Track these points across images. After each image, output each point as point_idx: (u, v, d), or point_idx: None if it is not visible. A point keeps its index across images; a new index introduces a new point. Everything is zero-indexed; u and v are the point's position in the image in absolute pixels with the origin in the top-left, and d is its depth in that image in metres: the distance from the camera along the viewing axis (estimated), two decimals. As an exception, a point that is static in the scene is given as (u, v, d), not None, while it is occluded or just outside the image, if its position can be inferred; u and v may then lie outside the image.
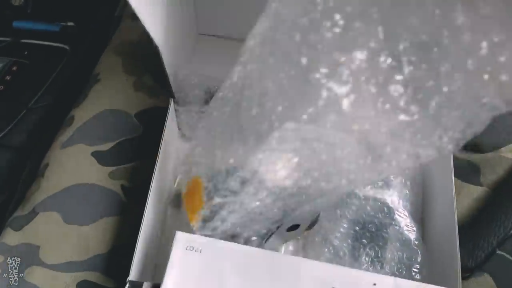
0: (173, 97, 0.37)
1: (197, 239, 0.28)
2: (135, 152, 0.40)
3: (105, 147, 0.40)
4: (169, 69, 0.35)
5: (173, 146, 0.38)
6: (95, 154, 0.40)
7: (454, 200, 0.32)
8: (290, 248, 0.35)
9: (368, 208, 0.33)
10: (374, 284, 0.27)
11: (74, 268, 0.35)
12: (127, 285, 0.28)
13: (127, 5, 0.51)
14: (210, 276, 0.27)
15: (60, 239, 0.36)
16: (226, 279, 0.27)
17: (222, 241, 0.28)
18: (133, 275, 0.29)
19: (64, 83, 0.59)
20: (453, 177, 0.33)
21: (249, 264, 0.28)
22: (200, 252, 0.28)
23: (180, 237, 0.28)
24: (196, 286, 0.27)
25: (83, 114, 0.42)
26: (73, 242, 0.36)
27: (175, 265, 0.27)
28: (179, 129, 0.40)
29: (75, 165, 0.39)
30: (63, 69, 0.61)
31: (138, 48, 0.45)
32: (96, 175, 0.39)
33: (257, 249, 0.28)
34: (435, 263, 0.31)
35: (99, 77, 0.45)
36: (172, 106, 0.37)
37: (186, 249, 0.28)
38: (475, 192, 0.37)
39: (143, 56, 0.44)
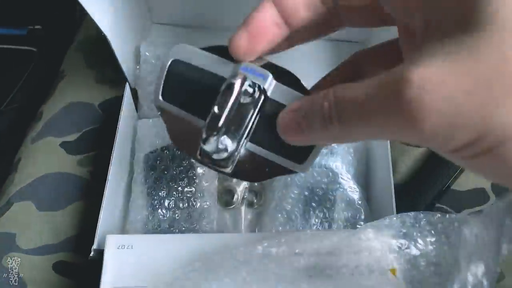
0: (129, 84, 0.40)
1: (127, 238, 0.32)
2: (101, 139, 0.42)
3: (72, 137, 0.42)
4: (120, 57, 0.37)
5: (130, 127, 0.41)
6: (63, 145, 0.42)
7: (390, 165, 0.35)
8: (248, 217, 0.38)
9: (315, 174, 0.36)
10: None
11: (49, 251, 0.38)
12: (92, 253, 0.31)
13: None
14: (144, 267, 0.30)
15: (35, 226, 0.39)
16: (158, 267, 0.31)
17: (151, 235, 0.32)
18: (96, 244, 0.32)
19: (34, 84, 0.61)
20: (389, 145, 0.36)
21: (179, 250, 0.31)
22: (132, 248, 0.31)
23: (111, 240, 0.31)
24: (132, 278, 0.30)
25: (50, 109, 0.44)
26: (47, 227, 0.39)
27: (109, 264, 0.30)
28: (137, 111, 0.42)
29: (46, 156, 0.42)
30: (32, 71, 0.63)
31: (99, 43, 0.47)
32: (66, 164, 0.41)
33: (185, 235, 0.32)
34: (377, 219, 0.34)
35: (64, 73, 0.47)
36: (127, 89, 0.40)
37: (118, 248, 0.31)
38: (417, 153, 0.40)
39: (104, 50, 0.47)
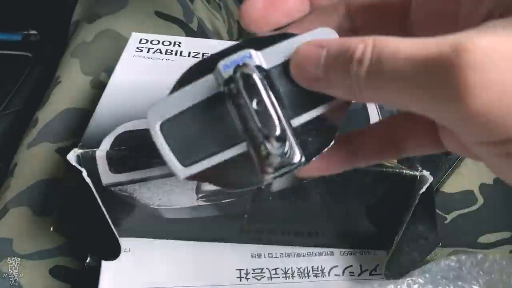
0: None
1: (124, 241, 0.32)
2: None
3: (67, 143, 0.43)
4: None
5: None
6: (59, 150, 0.42)
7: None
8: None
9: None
10: None
11: (45, 256, 0.38)
12: (88, 259, 0.32)
13: (83, 9, 0.54)
14: (142, 271, 0.31)
15: (31, 231, 0.39)
16: (156, 271, 0.32)
17: (148, 239, 0.33)
18: None
19: (29, 89, 0.62)
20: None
21: (176, 255, 0.32)
22: (129, 251, 0.32)
23: None
24: (129, 282, 0.31)
25: (46, 115, 0.45)
26: (43, 233, 0.39)
27: (107, 268, 0.32)
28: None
29: (41, 162, 0.42)
30: (28, 76, 0.63)
31: (93, 48, 0.48)
32: (61, 169, 0.42)
33: (182, 241, 0.33)
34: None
35: (59, 79, 0.47)
36: None
37: None
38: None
39: (99, 55, 0.47)
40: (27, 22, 0.68)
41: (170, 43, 0.38)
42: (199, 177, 0.20)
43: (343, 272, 0.34)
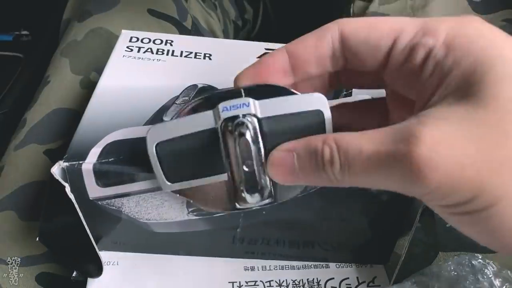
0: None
1: (113, 255, 0.31)
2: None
3: (56, 145, 0.41)
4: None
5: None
6: (47, 153, 0.41)
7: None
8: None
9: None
10: None
11: (31, 262, 0.37)
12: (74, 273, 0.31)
13: (74, 7, 0.53)
14: (130, 285, 0.30)
15: (17, 236, 0.38)
16: (143, 285, 0.31)
17: (137, 253, 0.32)
18: None
19: (20, 90, 0.60)
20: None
21: (165, 269, 0.31)
22: (117, 264, 0.31)
23: None
24: None
25: (34, 116, 0.43)
26: (29, 238, 0.37)
27: (94, 281, 0.30)
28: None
29: (29, 164, 0.41)
30: (19, 77, 0.62)
31: (84, 47, 0.46)
32: (49, 172, 0.40)
33: (172, 256, 0.32)
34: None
35: (48, 79, 0.46)
36: None
37: (104, 264, 0.31)
38: None
39: (89, 54, 0.46)
40: (18, 23, 0.67)
41: (162, 41, 0.37)
42: (182, 193, 0.24)
43: (340, 285, 0.33)
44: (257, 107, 0.22)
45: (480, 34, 0.19)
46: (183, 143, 0.22)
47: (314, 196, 0.28)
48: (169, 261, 0.32)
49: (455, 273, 0.29)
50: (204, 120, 0.22)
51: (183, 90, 0.32)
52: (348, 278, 0.33)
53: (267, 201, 0.24)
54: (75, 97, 0.43)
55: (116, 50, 0.36)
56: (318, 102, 0.22)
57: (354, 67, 0.24)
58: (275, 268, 0.33)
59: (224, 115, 0.22)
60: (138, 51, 0.36)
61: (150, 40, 0.37)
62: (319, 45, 0.23)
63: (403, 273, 0.32)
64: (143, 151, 0.26)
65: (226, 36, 0.60)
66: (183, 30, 0.50)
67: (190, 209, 0.29)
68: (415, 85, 0.22)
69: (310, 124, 0.22)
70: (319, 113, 0.22)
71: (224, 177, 0.23)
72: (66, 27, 0.51)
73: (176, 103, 0.31)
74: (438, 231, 0.32)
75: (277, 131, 0.22)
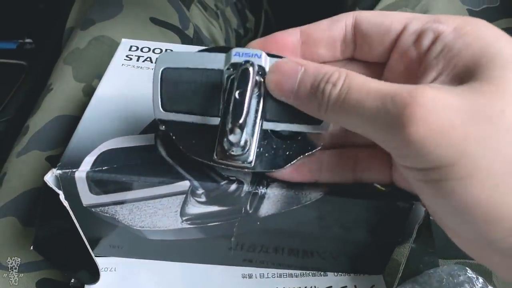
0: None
1: (110, 260, 0.32)
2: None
3: (58, 151, 0.42)
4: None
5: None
6: (49, 159, 0.41)
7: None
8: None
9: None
10: None
11: (33, 268, 0.37)
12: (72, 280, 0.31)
13: (78, 16, 0.53)
14: None
15: (19, 242, 0.38)
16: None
17: (134, 259, 0.32)
18: None
19: (23, 98, 0.61)
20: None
21: (162, 276, 0.31)
22: (115, 270, 0.31)
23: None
24: None
25: (36, 122, 0.44)
26: (31, 244, 0.38)
27: (92, 286, 0.30)
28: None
29: (31, 171, 0.41)
30: (22, 85, 0.62)
31: (86, 55, 0.47)
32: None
33: (169, 262, 0.32)
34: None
35: (51, 86, 0.46)
36: None
37: (101, 270, 0.31)
38: None
39: (92, 62, 0.46)
40: (22, 31, 0.68)
41: (161, 50, 0.37)
42: (168, 127, 0.24)
43: (338, 292, 0.33)
44: (267, 62, 0.22)
45: (487, 27, 0.20)
46: (189, 76, 0.23)
47: (312, 207, 0.28)
48: (166, 268, 0.32)
49: (445, 283, 0.30)
50: (215, 60, 0.23)
51: None
52: (346, 286, 0.33)
53: (245, 164, 0.24)
54: (77, 105, 0.44)
55: (115, 58, 0.36)
56: None
57: (361, 56, 0.24)
58: (273, 276, 0.33)
59: (234, 59, 0.22)
60: (138, 60, 0.36)
61: (149, 49, 0.37)
62: (332, 27, 0.24)
63: (402, 281, 0.32)
64: (138, 160, 0.26)
65: (228, 44, 0.61)
66: (185, 39, 0.51)
67: (183, 218, 0.29)
68: (417, 71, 0.22)
69: None
70: None
71: (215, 121, 0.23)
72: (69, 35, 0.52)
73: None
74: (437, 239, 0.32)
75: None
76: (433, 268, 0.32)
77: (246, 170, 0.24)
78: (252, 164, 0.24)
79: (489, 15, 0.46)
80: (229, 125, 0.21)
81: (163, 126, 0.24)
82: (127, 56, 0.36)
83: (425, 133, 0.17)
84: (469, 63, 0.19)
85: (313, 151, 0.25)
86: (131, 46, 0.37)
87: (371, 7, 0.51)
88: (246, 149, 0.23)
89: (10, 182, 0.41)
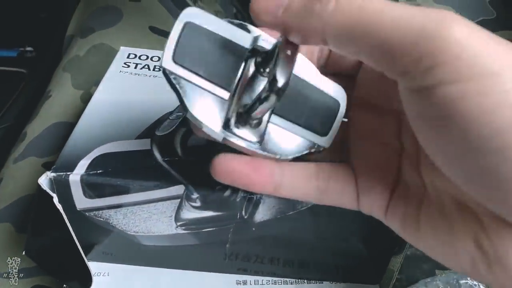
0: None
1: (103, 266, 0.32)
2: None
3: (54, 158, 0.42)
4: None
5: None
6: (46, 166, 0.41)
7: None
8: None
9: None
10: None
11: (27, 275, 0.37)
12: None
13: (78, 24, 0.54)
14: None
15: (13, 248, 0.38)
16: None
17: (127, 265, 0.32)
18: None
19: (23, 105, 0.61)
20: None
21: (155, 282, 0.31)
22: (108, 275, 0.31)
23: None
24: None
25: (34, 129, 0.44)
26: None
27: None
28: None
29: (27, 177, 0.41)
30: (22, 92, 0.62)
31: (85, 63, 0.47)
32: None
33: (162, 269, 0.32)
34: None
35: (50, 93, 0.47)
36: None
37: (94, 275, 0.30)
38: None
39: (90, 69, 0.46)
40: (23, 39, 0.68)
41: (159, 58, 0.37)
42: (171, 80, 0.21)
43: (334, 301, 0.33)
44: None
45: None
46: (210, 39, 0.21)
47: (307, 214, 0.28)
48: (160, 273, 0.32)
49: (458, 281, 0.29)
50: (241, 36, 0.21)
51: (178, 106, 0.32)
52: (342, 295, 0.33)
53: (253, 139, 0.22)
54: (75, 111, 0.44)
55: (113, 65, 0.36)
56: (340, 94, 0.23)
57: (332, 67, 0.24)
58: (268, 283, 0.33)
59: (259, 43, 0.21)
60: (135, 67, 0.36)
61: (148, 57, 0.38)
62: None
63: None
64: (133, 164, 0.26)
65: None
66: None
67: (178, 223, 0.29)
68: None
69: (325, 105, 0.22)
70: (335, 102, 0.22)
71: (224, 95, 0.21)
72: (69, 43, 0.52)
73: (170, 118, 0.31)
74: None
75: (293, 86, 0.21)
76: (430, 276, 0.32)
77: (252, 148, 0.22)
78: (260, 144, 0.22)
79: (486, 27, 0.46)
80: (265, 93, 0.19)
81: (168, 78, 0.21)
82: (125, 63, 0.37)
83: (469, 36, 0.14)
84: None
85: (321, 149, 0.23)
86: (129, 54, 0.38)
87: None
88: (253, 131, 0.21)
89: (7, 188, 0.41)
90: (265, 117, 0.22)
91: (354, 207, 0.22)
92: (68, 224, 0.27)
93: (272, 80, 0.18)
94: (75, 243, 0.28)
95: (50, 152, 0.42)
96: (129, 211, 0.28)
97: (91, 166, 0.27)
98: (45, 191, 0.26)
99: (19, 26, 0.68)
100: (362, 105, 0.23)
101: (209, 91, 0.21)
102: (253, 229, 0.29)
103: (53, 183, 0.27)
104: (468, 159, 0.15)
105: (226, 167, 0.21)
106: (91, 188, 0.27)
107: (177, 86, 0.21)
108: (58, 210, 0.27)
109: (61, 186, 0.27)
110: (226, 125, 0.21)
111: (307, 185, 0.22)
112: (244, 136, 0.21)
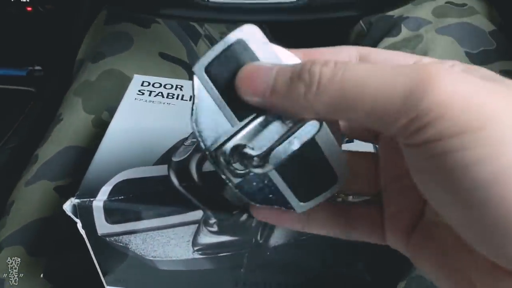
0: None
1: None
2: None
3: (66, 182, 0.42)
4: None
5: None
6: (57, 189, 0.42)
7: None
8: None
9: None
10: None
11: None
12: None
13: (88, 49, 0.55)
14: None
15: (24, 271, 0.38)
16: None
17: None
18: None
19: (31, 124, 0.62)
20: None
21: None
22: None
23: None
24: None
25: (46, 152, 0.45)
26: (36, 274, 0.38)
27: None
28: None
29: (39, 200, 0.42)
30: (30, 111, 0.63)
31: (97, 87, 0.48)
32: (59, 208, 0.41)
33: None
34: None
35: (61, 117, 0.47)
36: None
37: None
38: None
39: (101, 94, 0.47)
40: (32, 58, 0.69)
41: (172, 86, 0.39)
42: (193, 89, 0.21)
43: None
44: (320, 131, 0.21)
45: None
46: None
47: (315, 240, 0.28)
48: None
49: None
50: None
51: (192, 132, 0.33)
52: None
53: (233, 178, 0.21)
54: (86, 136, 0.45)
55: (128, 93, 0.37)
56: (343, 172, 0.22)
57: None
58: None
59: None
60: (149, 94, 0.37)
61: (161, 84, 0.39)
62: (337, 55, 0.22)
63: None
64: (152, 190, 0.26)
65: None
66: (192, 73, 0.52)
67: (195, 248, 0.30)
68: None
69: (322, 177, 0.22)
70: (333, 180, 0.22)
71: (233, 121, 0.21)
72: (80, 67, 0.53)
73: (185, 145, 0.32)
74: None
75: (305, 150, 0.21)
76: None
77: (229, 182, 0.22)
78: (236, 183, 0.22)
79: (486, 58, 0.47)
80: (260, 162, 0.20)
81: (195, 79, 0.21)
82: (139, 91, 0.38)
83: (451, 94, 0.15)
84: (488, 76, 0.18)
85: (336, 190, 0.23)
86: (143, 82, 0.39)
87: (373, 46, 0.53)
88: (245, 167, 0.21)
89: (18, 211, 0.41)
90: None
91: (382, 242, 0.23)
92: (91, 250, 0.27)
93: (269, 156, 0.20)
94: (94, 267, 0.29)
95: (62, 176, 0.43)
96: (148, 236, 0.29)
97: (113, 192, 0.28)
98: (68, 216, 0.27)
99: (29, 45, 0.69)
100: (392, 146, 0.23)
101: (221, 111, 0.21)
102: (268, 253, 0.30)
103: (77, 209, 0.27)
104: (457, 209, 0.16)
105: (261, 207, 0.23)
106: (113, 213, 0.28)
107: (195, 91, 0.21)
108: (78, 235, 0.27)
109: (84, 212, 0.27)
110: (218, 148, 0.21)
111: (334, 224, 0.23)
112: (226, 168, 0.21)
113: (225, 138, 0.20)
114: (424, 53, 0.49)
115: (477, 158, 0.15)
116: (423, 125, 0.15)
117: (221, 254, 0.30)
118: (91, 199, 0.27)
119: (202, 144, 0.21)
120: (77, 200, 0.27)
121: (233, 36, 0.20)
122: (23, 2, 0.64)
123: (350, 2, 0.37)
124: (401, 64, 0.17)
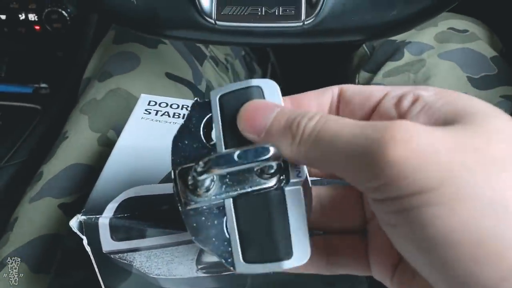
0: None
1: None
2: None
3: (71, 199, 0.43)
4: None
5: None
6: (62, 206, 0.42)
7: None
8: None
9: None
10: None
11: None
12: None
13: (96, 67, 0.56)
14: None
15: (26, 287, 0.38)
16: None
17: None
18: None
19: (36, 141, 0.63)
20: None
21: None
22: None
23: None
24: None
25: (51, 169, 0.45)
26: (39, 290, 0.38)
27: None
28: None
29: (43, 217, 0.42)
30: (35, 128, 0.64)
31: (103, 106, 0.49)
32: (63, 226, 0.41)
33: None
34: None
35: (67, 134, 0.48)
36: None
37: None
38: None
39: (108, 113, 0.48)
40: (38, 76, 0.70)
41: (178, 106, 0.39)
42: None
43: None
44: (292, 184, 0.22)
45: (464, 94, 0.20)
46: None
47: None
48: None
49: None
50: None
51: None
52: None
53: (190, 199, 0.22)
54: (92, 154, 0.45)
55: (135, 112, 0.38)
56: (303, 254, 0.21)
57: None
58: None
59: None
60: (156, 114, 0.38)
61: (167, 104, 0.39)
62: (321, 96, 0.23)
63: None
64: (158, 208, 0.27)
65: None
66: (197, 93, 0.53)
67: (199, 266, 0.30)
68: None
69: (275, 248, 0.21)
70: (287, 254, 0.21)
71: (220, 147, 0.22)
72: (86, 86, 0.54)
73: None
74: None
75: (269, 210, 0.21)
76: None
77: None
78: (183, 209, 0.22)
79: (487, 83, 0.48)
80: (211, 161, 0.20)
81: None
82: (146, 110, 0.38)
83: (406, 155, 0.16)
84: (450, 115, 0.18)
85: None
86: (149, 101, 0.39)
87: (375, 70, 0.54)
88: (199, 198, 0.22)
89: (22, 227, 0.42)
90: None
91: (368, 274, 0.23)
92: (96, 267, 0.28)
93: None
94: (97, 286, 0.29)
95: (66, 193, 0.43)
96: (152, 254, 0.29)
97: (118, 209, 0.28)
98: (74, 232, 0.27)
99: (35, 63, 0.70)
100: None
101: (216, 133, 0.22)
102: (271, 273, 0.30)
103: (83, 225, 0.28)
104: (418, 259, 0.17)
105: None
106: (119, 230, 0.28)
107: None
108: (83, 252, 0.28)
109: (90, 229, 0.28)
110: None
111: (317, 259, 0.23)
112: (183, 195, 0.22)
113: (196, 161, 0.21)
114: (427, 78, 0.49)
115: (433, 216, 0.16)
116: (382, 184, 0.17)
117: (225, 273, 0.30)
118: (97, 216, 0.28)
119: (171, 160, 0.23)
120: (83, 217, 0.27)
121: (255, 82, 0.22)
122: (31, 21, 0.65)
123: (355, 27, 0.38)
124: (367, 122, 0.18)
